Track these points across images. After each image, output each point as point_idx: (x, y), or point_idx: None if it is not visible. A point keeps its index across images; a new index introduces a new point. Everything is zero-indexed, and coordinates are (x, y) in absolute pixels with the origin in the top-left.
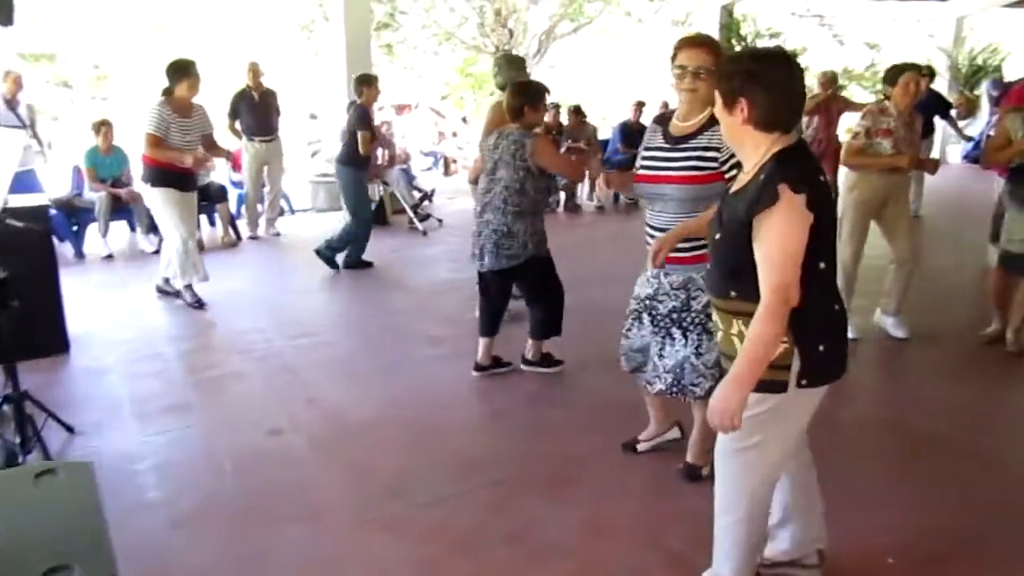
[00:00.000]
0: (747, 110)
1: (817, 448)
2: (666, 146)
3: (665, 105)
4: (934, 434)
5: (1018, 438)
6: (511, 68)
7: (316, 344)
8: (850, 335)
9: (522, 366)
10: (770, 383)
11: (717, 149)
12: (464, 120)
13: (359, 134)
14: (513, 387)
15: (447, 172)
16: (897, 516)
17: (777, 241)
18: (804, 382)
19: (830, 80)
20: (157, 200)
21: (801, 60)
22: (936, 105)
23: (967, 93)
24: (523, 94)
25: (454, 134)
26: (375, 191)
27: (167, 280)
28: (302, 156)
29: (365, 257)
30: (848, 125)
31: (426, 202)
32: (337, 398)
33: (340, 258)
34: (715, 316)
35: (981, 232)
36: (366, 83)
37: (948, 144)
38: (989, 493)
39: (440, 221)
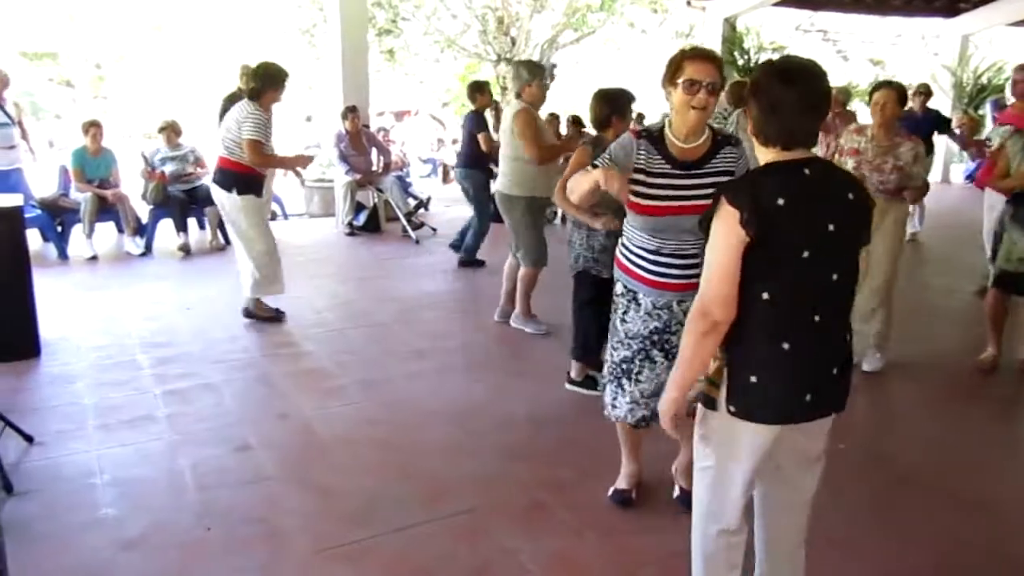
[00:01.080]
0: (751, 121)
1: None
2: (676, 172)
3: (639, 117)
4: (916, 469)
5: (1005, 475)
6: (531, 75)
7: (294, 355)
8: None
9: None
10: (705, 397)
11: (731, 173)
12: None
13: (478, 137)
14: (492, 408)
15: (445, 180)
16: (876, 555)
17: (709, 249)
18: (732, 408)
19: (840, 96)
20: (241, 208)
21: None
22: (935, 123)
23: (971, 112)
24: (611, 102)
25: (454, 141)
26: (369, 198)
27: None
28: None
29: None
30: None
31: (421, 210)
32: (310, 414)
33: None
34: None
35: (978, 255)
36: (479, 90)
37: (951, 163)
38: (970, 532)
39: (434, 230)
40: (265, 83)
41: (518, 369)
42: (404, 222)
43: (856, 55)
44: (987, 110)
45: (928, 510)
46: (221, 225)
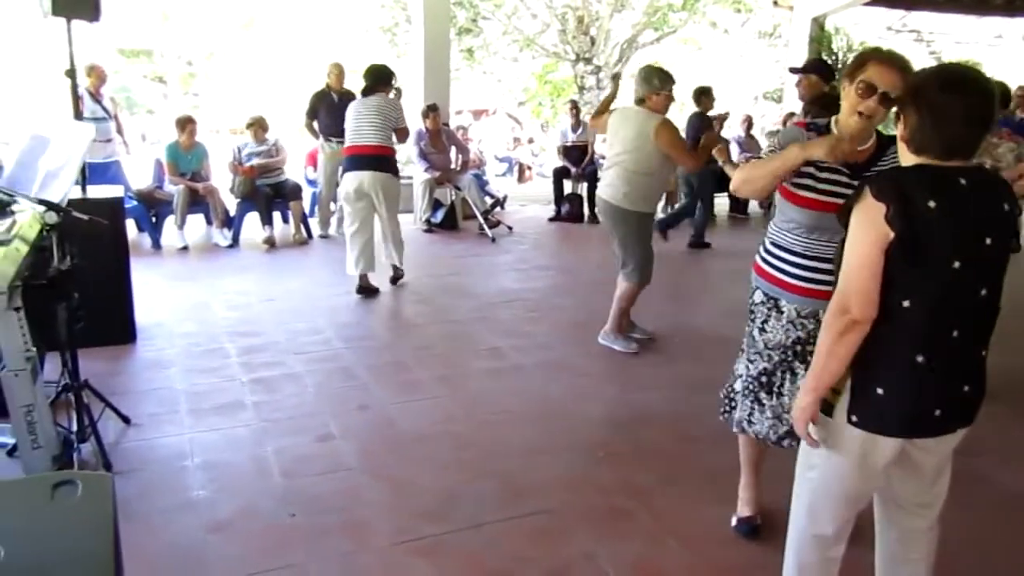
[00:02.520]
0: (904, 126)
1: None
2: (847, 172)
3: (748, 120)
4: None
5: None
6: (663, 84)
7: (374, 348)
8: None
9: None
10: (824, 402)
11: None
12: (541, 127)
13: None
14: (571, 409)
15: (521, 179)
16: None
17: (849, 243)
18: (854, 419)
19: None
20: (395, 188)
21: None
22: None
23: None
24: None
25: (530, 140)
26: (447, 195)
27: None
28: None
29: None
30: None
31: (497, 208)
32: (389, 406)
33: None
34: None
35: None
36: (704, 93)
37: None
38: None
39: (510, 228)
40: (377, 80)
41: (597, 371)
42: (481, 220)
43: (951, 57)
44: None
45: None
46: (304, 219)
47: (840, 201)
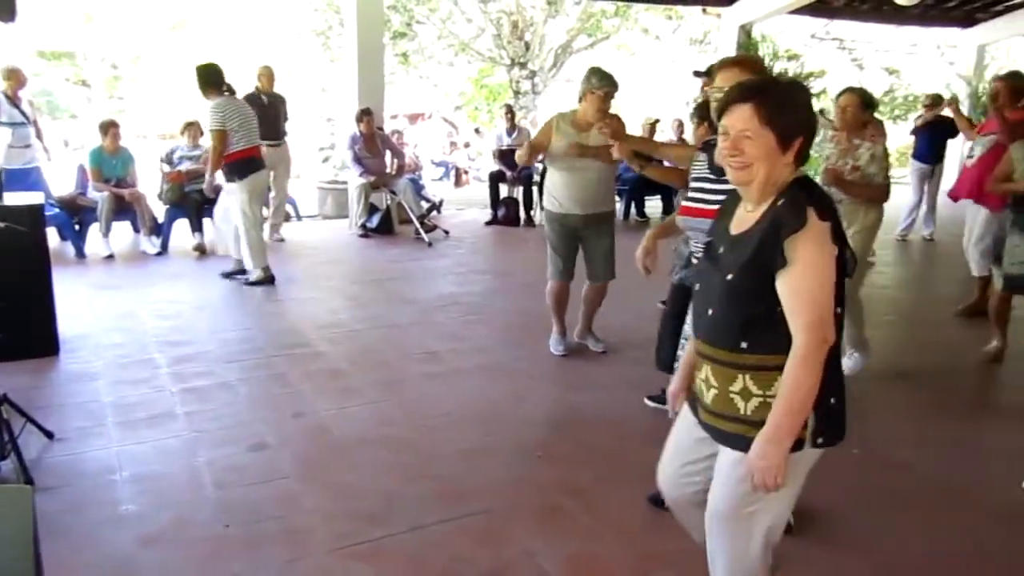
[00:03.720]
0: (800, 148)
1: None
2: (711, 177)
3: (680, 126)
4: (929, 474)
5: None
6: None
7: (308, 355)
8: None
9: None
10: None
11: None
12: (477, 131)
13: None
14: (509, 411)
15: (458, 183)
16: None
17: (812, 270)
18: (820, 440)
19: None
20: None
21: (820, 84)
22: (945, 131)
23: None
24: None
25: (466, 145)
26: (383, 200)
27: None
28: (313, 162)
29: None
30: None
31: (434, 213)
32: (325, 413)
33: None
34: (707, 373)
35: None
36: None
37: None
38: (994, 542)
39: (447, 233)
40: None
41: (536, 372)
42: (417, 224)
43: (871, 64)
44: None
45: (946, 512)
46: None
47: (708, 204)
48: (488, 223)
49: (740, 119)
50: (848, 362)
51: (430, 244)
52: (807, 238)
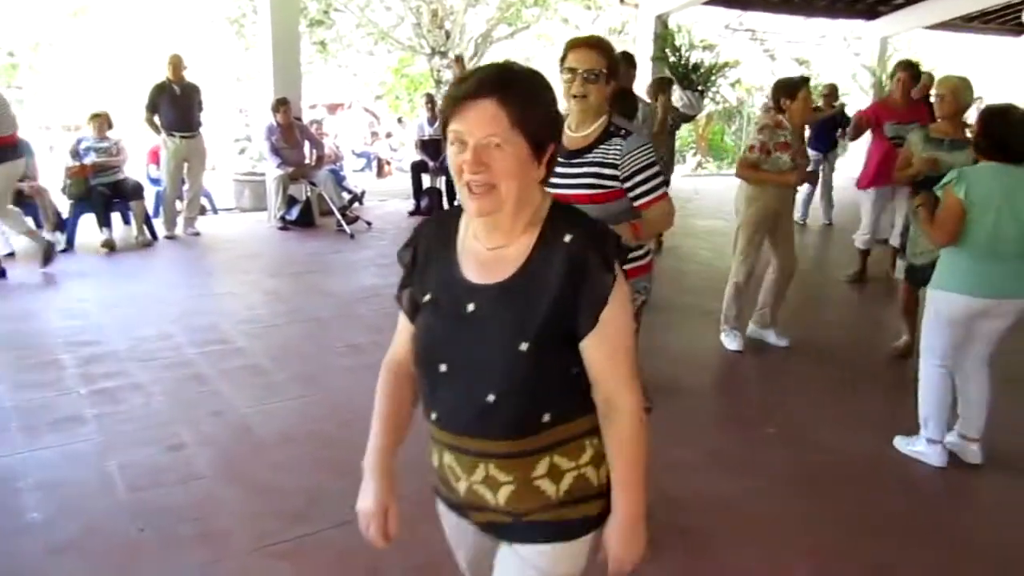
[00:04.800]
0: (551, 158)
1: (720, 466)
2: (561, 160)
3: None
4: (834, 450)
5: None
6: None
7: (227, 352)
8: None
9: None
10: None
11: (615, 165)
12: (399, 121)
13: None
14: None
15: (380, 174)
16: (812, 542)
17: (624, 323)
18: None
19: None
20: None
21: (735, 73)
22: (839, 121)
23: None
24: None
25: (388, 135)
26: (302, 191)
27: None
28: (229, 153)
29: None
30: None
31: (356, 204)
32: (246, 410)
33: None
34: (485, 472)
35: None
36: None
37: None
38: (904, 514)
39: (369, 224)
40: None
41: None
42: (338, 216)
43: (782, 54)
44: None
45: (858, 487)
46: (148, 220)
47: (555, 188)
48: (411, 213)
49: (482, 121)
50: (784, 338)
51: (352, 236)
52: (617, 291)
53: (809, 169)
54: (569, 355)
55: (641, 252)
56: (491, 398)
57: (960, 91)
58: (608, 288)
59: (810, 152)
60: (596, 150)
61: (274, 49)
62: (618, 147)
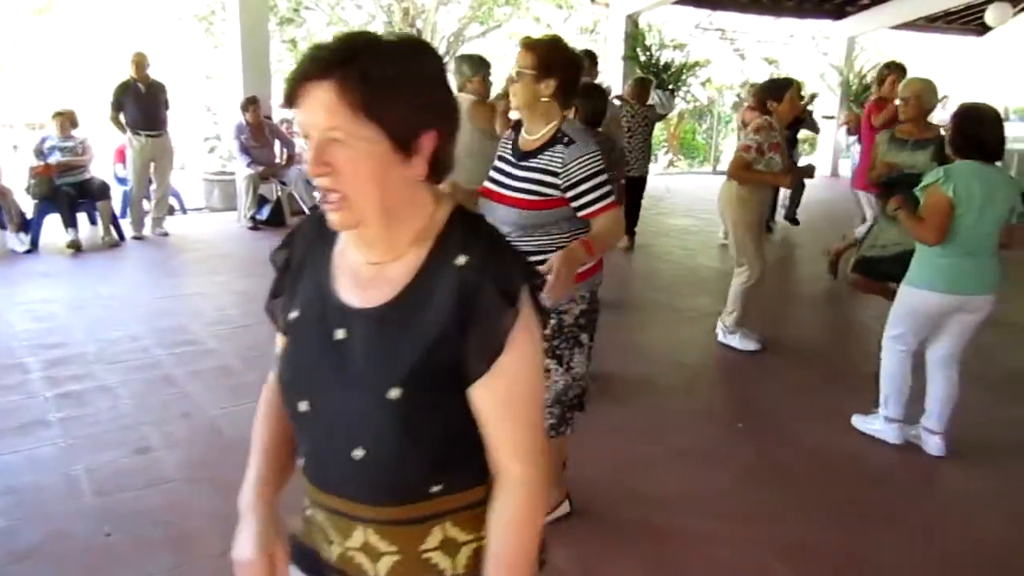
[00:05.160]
0: (438, 151)
1: (689, 462)
2: (512, 159)
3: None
4: (801, 443)
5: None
6: (473, 71)
7: (197, 353)
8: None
9: None
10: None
11: (556, 173)
12: None
13: None
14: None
15: None
16: (784, 537)
17: (527, 371)
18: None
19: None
20: None
21: (705, 73)
22: (800, 121)
23: (855, 110)
24: None
25: None
26: (272, 191)
27: None
28: (199, 152)
29: None
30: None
31: None
32: (216, 412)
33: None
34: (365, 538)
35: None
36: None
37: (840, 158)
38: (872, 506)
39: None
40: None
41: None
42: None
43: (752, 54)
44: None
45: (836, 482)
46: (115, 220)
47: (497, 186)
48: None
49: (316, 109)
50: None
51: None
52: (520, 333)
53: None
54: (460, 407)
55: None
56: (358, 454)
57: (923, 94)
58: (506, 328)
59: None
60: (542, 155)
61: (243, 47)
62: (560, 155)
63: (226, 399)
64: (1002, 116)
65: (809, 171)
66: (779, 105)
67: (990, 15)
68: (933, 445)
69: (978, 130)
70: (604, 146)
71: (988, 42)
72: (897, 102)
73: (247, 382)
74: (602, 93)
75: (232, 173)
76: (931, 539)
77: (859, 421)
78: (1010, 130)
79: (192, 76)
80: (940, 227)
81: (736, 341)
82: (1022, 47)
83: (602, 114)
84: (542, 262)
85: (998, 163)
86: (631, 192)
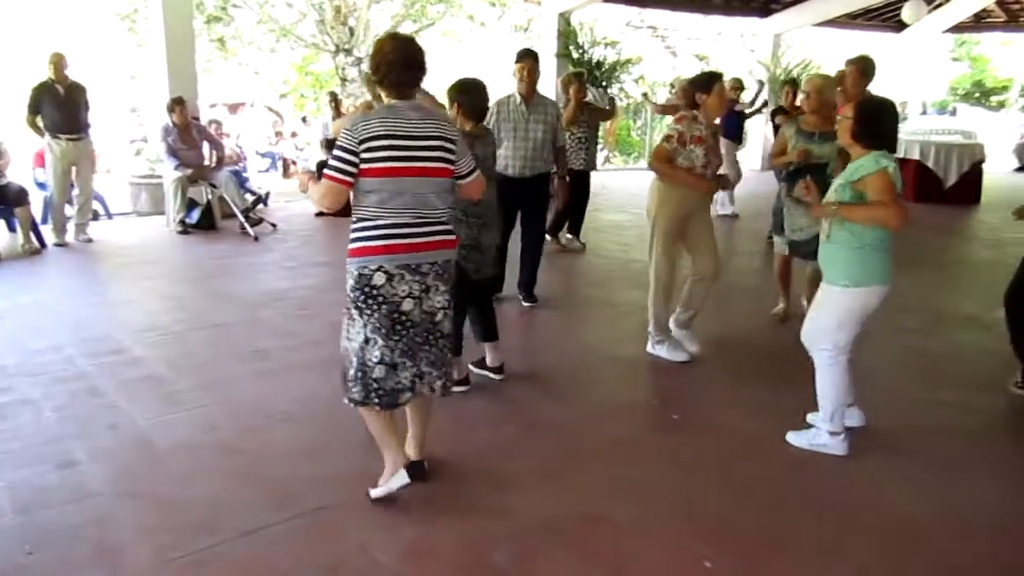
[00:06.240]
0: None
1: (625, 453)
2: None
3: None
4: (731, 432)
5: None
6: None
7: (125, 362)
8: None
9: (494, 376)
10: None
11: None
12: (304, 120)
13: None
14: (340, 407)
15: (286, 174)
16: (710, 521)
17: None
18: None
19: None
20: None
21: (638, 70)
22: (742, 114)
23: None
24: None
25: (293, 134)
26: (202, 194)
27: None
28: (124, 155)
29: None
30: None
31: (260, 206)
32: (145, 422)
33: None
34: None
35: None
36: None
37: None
38: (794, 490)
39: (274, 226)
40: None
41: None
42: (241, 219)
43: (683, 51)
44: (800, 102)
45: (755, 472)
46: (35, 227)
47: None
48: (318, 214)
49: None
50: (694, 342)
51: (256, 238)
52: None
53: (722, 171)
54: None
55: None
56: None
57: (823, 89)
58: None
59: (724, 142)
60: None
61: (167, 46)
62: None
63: (156, 409)
64: (922, 110)
65: (724, 183)
66: (708, 98)
67: (906, 12)
68: (855, 417)
69: (878, 121)
70: (486, 140)
71: (906, 39)
72: (800, 96)
73: (177, 390)
74: (483, 89)
75: (159, 176)
76: (851, 520)
77: (797, 438)
78: (929, 123)
79: (116, 77)
80: (903, 206)
81: (664, 351)
82: (937, 44)
83: (484, 109)
84: None
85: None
86: (573, 189)
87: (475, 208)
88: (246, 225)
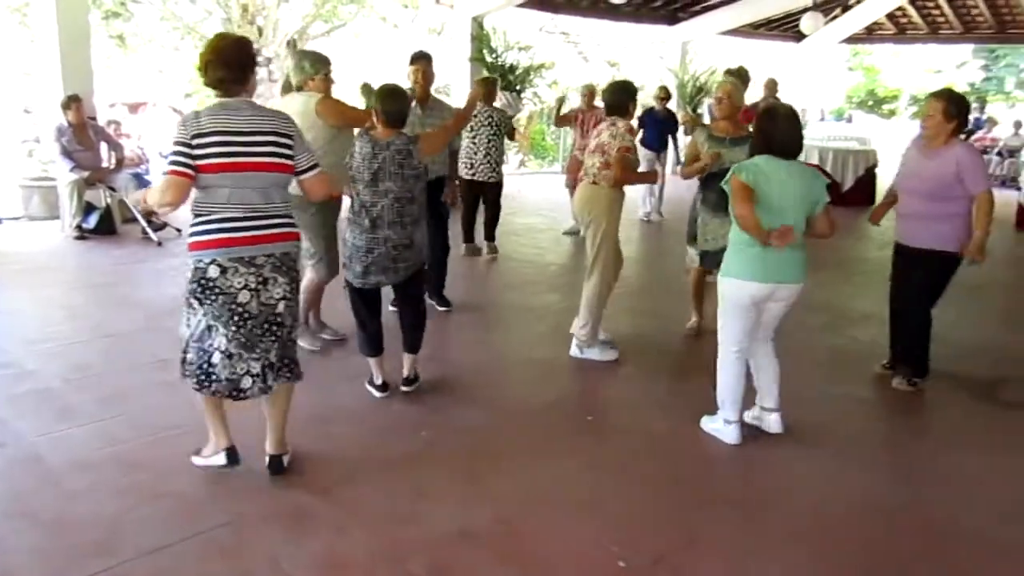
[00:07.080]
0: None
1: (539, 455)
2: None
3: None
4: (644, 432)
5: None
6: (315, 69)
7: (13, 376)
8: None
9: (404, 388)
10: None
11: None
12: None
13: None
14: (246, 415)
15: None
16: (624, 521)
17: None
18: None
19: (591, 92)
20: None
21: (551, 74)
22: (674, 122)
23: (689, 111)
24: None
25: None
26: (100, 197)
27: None
28: (15, 156)
29: None
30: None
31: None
32: (36, 439)
33: None
34: None
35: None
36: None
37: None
38: (706, 487)
39: (179, 230)
40: None
41: None
42: (143, 223)
43: (595, 57)
44: (705, 109)
45: (674, 465)
46: None
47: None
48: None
49: None
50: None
51: (160, 243)
52: None
53: (643, 169)
54: None
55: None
56: None
57: (735, 93)
58: None
59: (642, 150)
60: None
61: (61, 41)
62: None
63: (48, 424)
64: (820, 117)
65: (652, 176)
66: (632, 107)
67: (804, 23)
68: (773, 422)
69: (769, 127)
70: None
71: (805, 48)
72: (710, 102)
73: (72, 404)
74: (402, 95)
75: (54, 179)
76: (764, 515)
77: (705, 422)
78: (827, 129)
79: (7, 73)
80: (745, 199)
81: (595, 354)
82: (834, 54)
83: (402, 115)
84: None
85: (798, 159)
86: (486, 198)
87: (410, 208)
88: (148, 230)
